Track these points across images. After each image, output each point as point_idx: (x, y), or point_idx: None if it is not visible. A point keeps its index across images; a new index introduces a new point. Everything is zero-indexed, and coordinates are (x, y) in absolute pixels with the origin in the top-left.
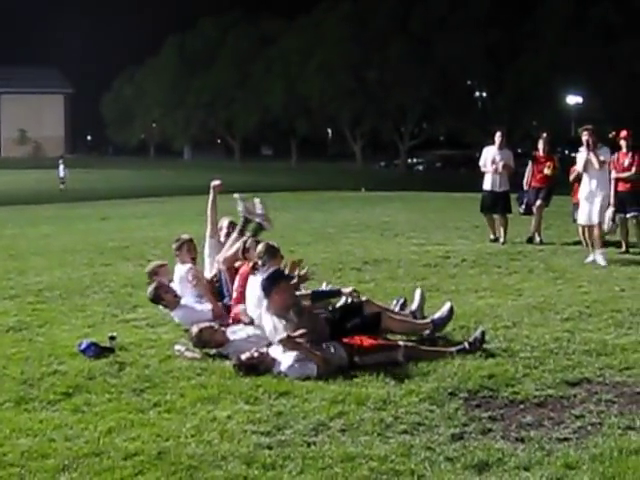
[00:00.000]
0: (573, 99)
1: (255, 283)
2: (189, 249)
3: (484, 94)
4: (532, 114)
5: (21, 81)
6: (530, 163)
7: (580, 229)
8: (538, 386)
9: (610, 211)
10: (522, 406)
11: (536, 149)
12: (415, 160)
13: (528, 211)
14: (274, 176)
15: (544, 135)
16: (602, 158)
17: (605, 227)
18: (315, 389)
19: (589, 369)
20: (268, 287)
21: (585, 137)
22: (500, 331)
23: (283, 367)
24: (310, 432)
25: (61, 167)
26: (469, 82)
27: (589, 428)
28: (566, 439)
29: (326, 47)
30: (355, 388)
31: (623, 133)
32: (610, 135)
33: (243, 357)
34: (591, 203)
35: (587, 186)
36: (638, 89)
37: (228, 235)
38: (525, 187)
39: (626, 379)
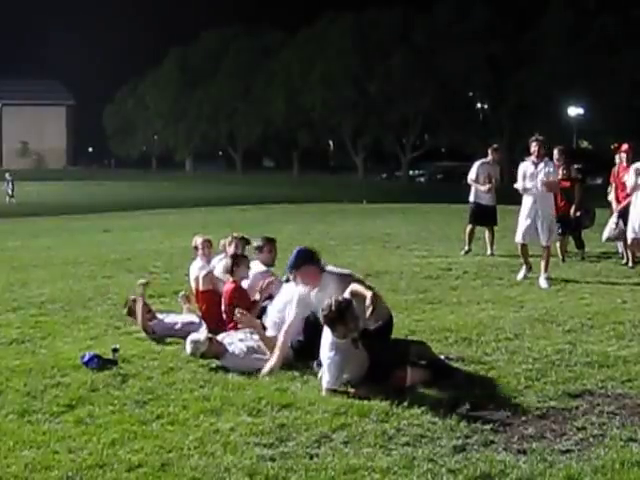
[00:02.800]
0: (574, 110)
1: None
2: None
3: (485, 106)
4: (533, 126)
5: (23, 93)
6: None
7: (520, 247)
8: (540, 398)
9: (613, 218)
10: (524, 418)
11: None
12: (416, 172)
13: None
14: (276, 188)
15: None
16: (551, 178)
17: (606, 235)
18: (318, 401)
19: (591, 381)
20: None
21: (534, 147)
22: (502, 343)
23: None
24: (313, 444)
25: (8, 182)
26: (470, 94)
27: (591, 440)
28: (568, 451)
29: (328, 59)
30: (357, 400)
31: (624, 147)
32: (612, 147)
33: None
34: (534, 222)
35: (533, 204)
36: None
37: (205, 254)
38: None
39: (628, 391)
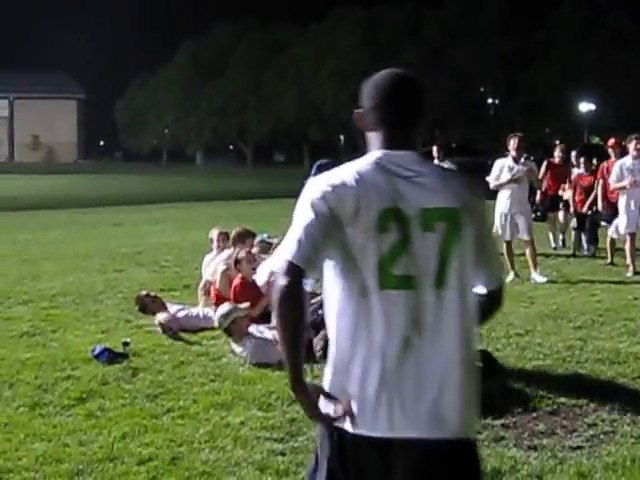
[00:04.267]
0: (586, 106)
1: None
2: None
3: (497, 101)
4: (545, 121)
5: (34, 86)
6: (543, 169)
7: (505, 246)
8: (551, 394)
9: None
10: (535, 414)
11: (552, 156)
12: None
13: (542, 219)
14: (286, 182)
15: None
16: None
17: (613, 233)
18: None
19: (601, 377)
20: None
21: (513, 143)
22: (513, 339)
23: None
24: None
25: None
26: (482, 89)
27: (602, 437)
28: (579, 447)
29: (339, 54)
30: None
31: (611, 141)
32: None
33: None
34: (514, 217)
35: (512, 198)
36: None
37: (219, 247)
38: (540, 196)
39: (639, 387)
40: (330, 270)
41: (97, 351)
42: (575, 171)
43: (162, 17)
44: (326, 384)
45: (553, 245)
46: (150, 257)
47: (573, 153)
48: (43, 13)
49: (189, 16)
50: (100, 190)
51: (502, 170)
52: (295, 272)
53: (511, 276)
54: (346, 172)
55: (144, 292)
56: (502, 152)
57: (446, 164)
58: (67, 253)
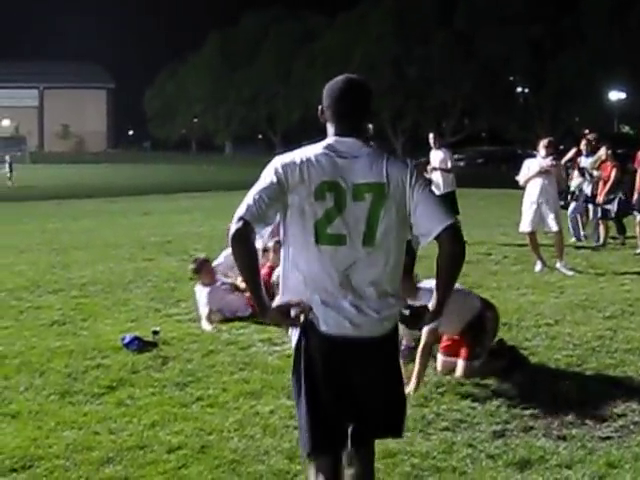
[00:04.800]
0: (616, 95)
1: None
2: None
3: (526, 90)
4: (574, 110)
5: (64, 76)
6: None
7: (529, 238)
8: (580, 384)
9: None
10: (564, 404)
11: (578, 145)
12: (456, 156)
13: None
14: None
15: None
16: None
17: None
18: None
19: (631, 367)
20: None
21: (544, 146)
22: (542, 329)
23: None
24: None
25: (7, 164)
26: (511, 78)
27: (631, 427)
28: (608, 438)
29: (368, 43)
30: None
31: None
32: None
33: None
34: (539, 208)
35: (540, 190)
36: None
37: None
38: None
39: None
40: (283, 227)
41: (127, 340)
42: (582, 160)
43: (191, 6)
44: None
45: (582, 233)
46: (179, 246)
47: (583, 142)
48: (74, 3)
49: (217, 5)
50: (129, 179)
51: (530, 169)
52: (244, 224)
53: (538, 267)
54: (299, 153)
55: (203, 256)
56: (535, 141)
57: (442, 152)
58: (97, 242)
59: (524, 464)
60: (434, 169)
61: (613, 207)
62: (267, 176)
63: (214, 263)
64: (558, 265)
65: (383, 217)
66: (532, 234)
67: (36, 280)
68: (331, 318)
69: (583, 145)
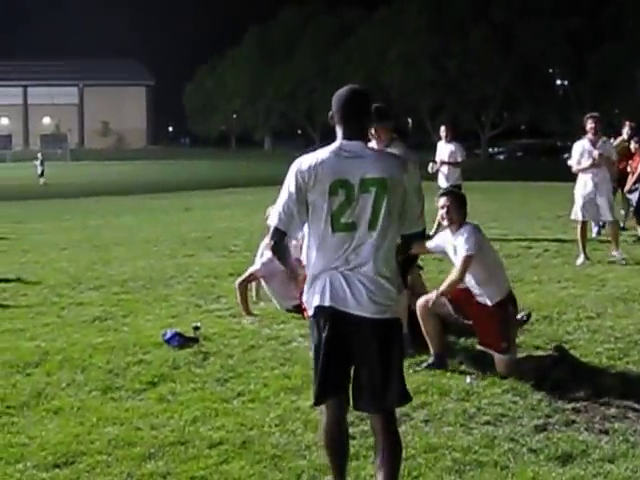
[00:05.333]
0: None
1: None
2: None
3: (565, 82)
4: (614, 102)
5: (104, 73)
6: None
7: (580, 227)
8: (622, 378)
9: None
10: (606, 398)
11: (619, 134)
12: (496, 149)
13: None
14: None
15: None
16: (598, 152)
17: None
18: None
19: None
20: None
21: (591, 124)
22: (583, 322)
23: None
24: None
25: (38, 163)
26: (550, 70)
27: None
28: None
29: (406, 36)
30: (438, 379)
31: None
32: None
33: None
34: (594, 199)
35: (592, 181)
36: None
37: None
38: None
39: None
40: (307, 221)
41: (168, 335)
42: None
43: (230, 2)
44: (307, 287)
45: (622, 225)
46: (219, 242)
47: (626, 128)
48: (112, 2)
49: (256, 0)
50: (170, 175)
51: (582, 154)
52: (278, 234)
53: (581, 259)
54: (314, 156)
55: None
56: (575, 134)
57: (452, 145)
58: (137, 238)
59: (566, 458)
60: (442, 163)
61: (634, 197)
62: (289, 184)
63: (251, 269)
64: (615, 253)
65: (384, 206)
66: (583, 224)
67: (77, 276)
68: (339, 297)
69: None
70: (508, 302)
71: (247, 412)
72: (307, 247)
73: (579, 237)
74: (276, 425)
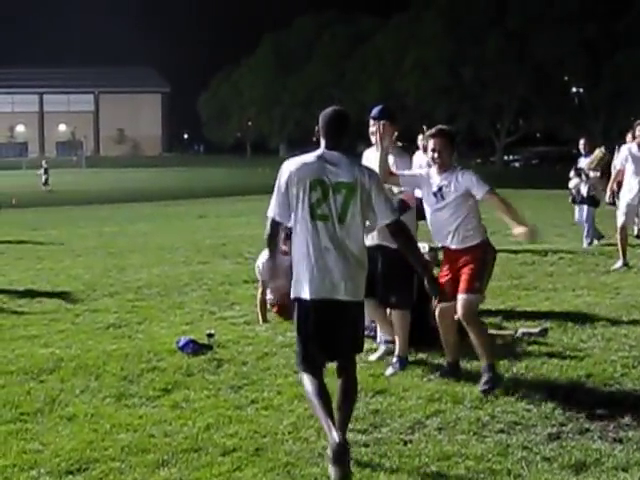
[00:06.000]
0: None
1: None
2: None
3: (581, 90)
4: (630, 110)
5: (119, 81)
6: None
7: (620, 231)
8: (637, 386)
9: None
10: (620, 406)
11: (625, 142)
12: (511, 157)
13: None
14: None
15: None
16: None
17: None
18: (411, 387)
19: None
20: None
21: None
22: (598, 330)
23: None
24: (406, 430)
25: (42, 171)
26: (566, 78)
27: None
28: None
29: (421, 44)
30: (451, 386)
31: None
32: None
33: None
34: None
35: (638, 185)
36: None
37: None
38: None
39: None
40: (294, 211)
41: (182, 343)
42: (580, 160)
43: (245, 9)
44: (294, 269)
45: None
46: (234, 249)
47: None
48: (129, 8)
49: (271, 8)
50: (185, 182)
51: (627, 158)
52: (274, 224)
53: (619, 263)
54: (299, 159)
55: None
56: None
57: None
58: (152, 245)
59: (580, 467)
60: None
61: None
62: (280, 180)
63: (258, 263)
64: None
65: (351, 206)
66: (623, 228)
67: (92, 283)
68: (317, 280)
69: (582, 145)
70: (486, 249)
71: (261, 419)
72: (293, 234)
73: (619, 241)
74: (289, 432)
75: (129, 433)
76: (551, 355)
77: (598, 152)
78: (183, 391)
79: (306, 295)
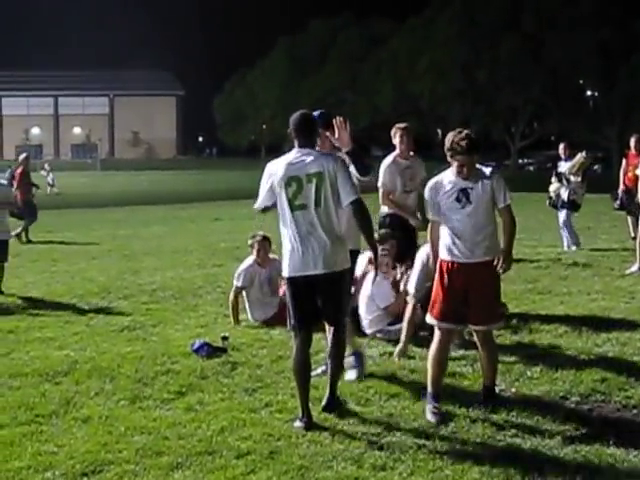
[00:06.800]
0: None
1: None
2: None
3: (596, 93)
4: None
5: (134, 84)
6: (624, 161)
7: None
8: None
9: None
10: (635, 411)
11: (628, 148)
12: (526, 160)
13: (621, 207)
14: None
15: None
16: None
17: None
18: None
19: None
20: None
21: None
22: (613, 334)
23: None
24: (421, 434)
25: (45, 173)
26: (580, 81)
27: None
28: None
29: (436, 47)
30: (466, 390)
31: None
32: None
33: None
34: None
35: None
36: None
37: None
38: (621, 186)
39: None
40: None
41: (196, 345)
42: (561, 165)
43: (259, 12)
44: (283, 252)
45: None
46: (249, 252)
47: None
48: (142, 11)
49: (286, 11)
50: (199, 185)
51: None
52: (261, 211)
53: (635, 267)
54: (277, 161)
55: (262, 233)
56: (600, 144)
57: None
58: (167, 248)
59: (594, 472)
60: None
61: None
62: (263, 180)
63: (234, 282)
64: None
65: (323, 190)
66: None
67: (107, 286)
68: (300, 260)
69: (561, 150)
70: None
71: (275, 422)
72: (279, 225)
73: (637, 245)
74: (303, 435)
75: (143, 435)
76: (565, 359)
77: (579, 157)
78: (197, 394)
79: (293, 273)
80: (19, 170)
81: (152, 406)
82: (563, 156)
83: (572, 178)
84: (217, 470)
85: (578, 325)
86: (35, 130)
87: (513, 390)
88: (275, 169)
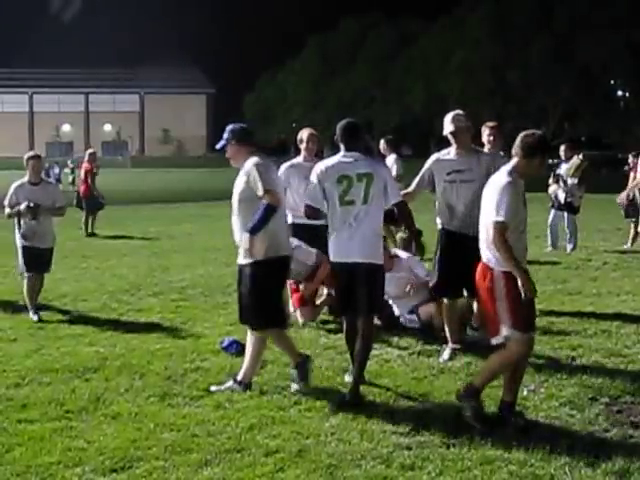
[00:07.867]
0: None
1: None
2: None
3: (627, 94)
4: None
5: (165, 81)
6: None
7: None
8: None
9: None
10: None
11: None
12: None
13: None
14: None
15: None
16: None
17: None
18: (454, 391)
19: None
20: None
21: None
22: None
23: None
24: (449, 434)
25: (56, 169)
26: (612, 81)
27: None
28: None
29: (466, 47)
30: (494, 391)
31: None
32: None
33: None
34: None
35: None
36: None
37: (308, 149)
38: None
39: None
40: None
41: (226, 343)
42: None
43: (290, 11)
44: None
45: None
46: None
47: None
48: (176, 8)
49: (317, 10)
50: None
51: None
52: (310, 208)
53: None
54: (327, 161)
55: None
56: (631, 145)
57: (391, 160)
58: (196, 246)
59: (623, 473)
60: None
61: None
62: (314, 177)
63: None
64: None
65: (372, 189)
66: None
67: (137, 283)
68: (343, 248)
69: (562, 151)
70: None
71: (303, 421)
72: (328, 217)
73: None
74: (332, 434)
75: (172, 432)
76: (595, 361)
77: (576, 159)
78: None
79: (337, 259)
80: (87, 166)
81: (181, 403)
82: (564, 157)
83: (569, 180)
84: (246, 468)
85: (608, 326)
86: (66, 127)
87: (542, 390)
88: (325, 168)
